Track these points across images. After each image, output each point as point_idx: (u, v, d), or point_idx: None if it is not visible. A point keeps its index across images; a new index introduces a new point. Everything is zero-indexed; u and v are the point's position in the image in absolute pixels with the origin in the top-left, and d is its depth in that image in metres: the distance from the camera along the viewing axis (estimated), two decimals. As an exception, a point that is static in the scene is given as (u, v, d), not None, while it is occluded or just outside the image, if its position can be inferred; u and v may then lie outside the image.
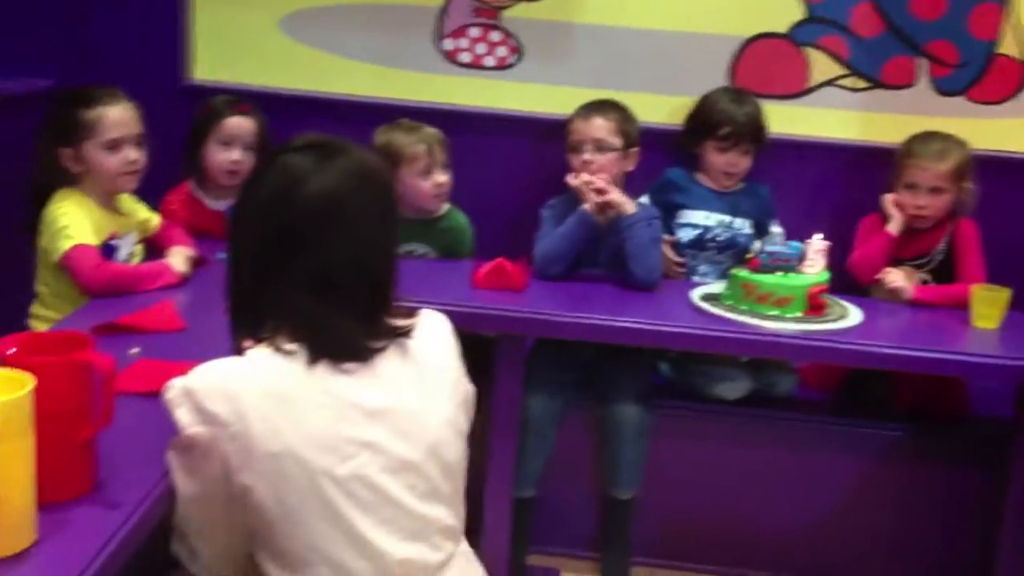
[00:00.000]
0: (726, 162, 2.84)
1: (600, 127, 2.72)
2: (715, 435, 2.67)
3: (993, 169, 2.82)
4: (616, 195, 2.61)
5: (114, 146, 2.35)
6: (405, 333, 1.47)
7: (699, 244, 2.80)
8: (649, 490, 2.65)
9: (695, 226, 2.83)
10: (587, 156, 2.70)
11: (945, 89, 2.97)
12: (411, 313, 1.52)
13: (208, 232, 2.60)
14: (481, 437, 2.52)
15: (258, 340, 1.42)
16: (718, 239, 2.82)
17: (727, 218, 2.84)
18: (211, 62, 3.05)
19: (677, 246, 2.81)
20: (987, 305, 2.51)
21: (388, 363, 1.44)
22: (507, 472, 2.55)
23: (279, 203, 1.41)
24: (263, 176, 1.46)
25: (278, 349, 1.39)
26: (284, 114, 2.91)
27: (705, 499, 2.68)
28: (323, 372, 1.39)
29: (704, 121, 2.86)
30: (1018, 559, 2.52)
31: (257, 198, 1.45)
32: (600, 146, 2.71)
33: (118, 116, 2.35)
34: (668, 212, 2.84)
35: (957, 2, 2.91)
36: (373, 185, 1.47)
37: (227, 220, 1.57)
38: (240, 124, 2.75)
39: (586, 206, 2.61)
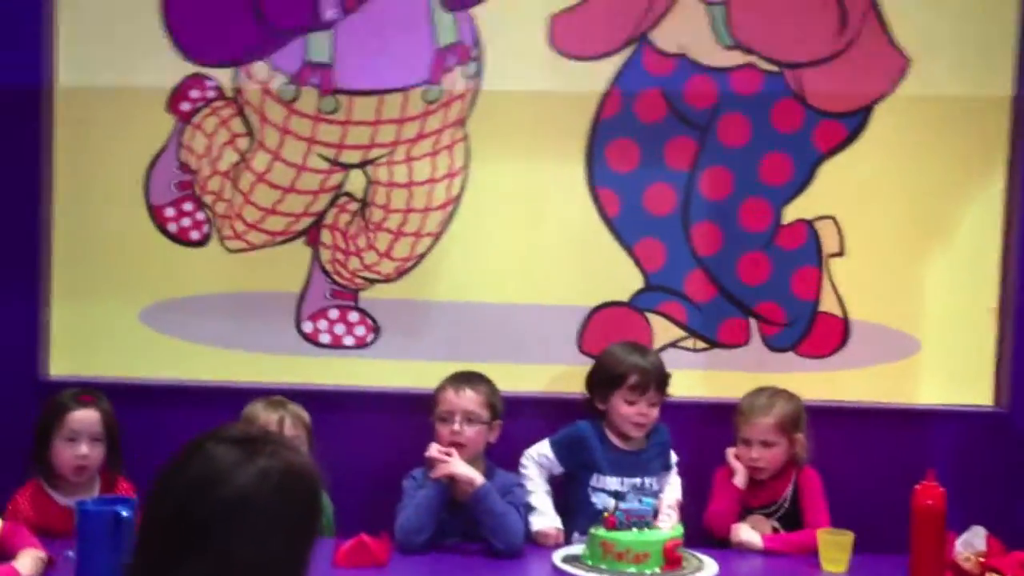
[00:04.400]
0: (636, 412, 2.87)
1: (471, 399, 2.80)
2: None
3: (827, 418, 3.00)
4: (460, 468, 2.66)
5: None
6: None
7: None
8: None
9: (609, 492, 2.84)
10: (456, 427, 2.76)
11: (776, 346, 3.18)
12: None
13: (57, 530, 2.52)
14: None
15: None
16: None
17: (637, 480, 2.87)
18: (69, 357, 3.08)
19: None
20: (833, 550, 2.59)
21: None
22: None
23: (193, 497, 1.35)
24: (185, 461, 1.39)
25: None
26: (146, 404, 2.96)
27: None
28: None
29: (610, 373, 2.90)
30: None
31: (173, 485, 1.38)
32: (470, 418, 2.78)
33: None
34: (578, 469, 2.88)
35: (780, 267, 3.18)
36: (292, 492, 1.39)
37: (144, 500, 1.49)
38: (84, 417, 2.70)
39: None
